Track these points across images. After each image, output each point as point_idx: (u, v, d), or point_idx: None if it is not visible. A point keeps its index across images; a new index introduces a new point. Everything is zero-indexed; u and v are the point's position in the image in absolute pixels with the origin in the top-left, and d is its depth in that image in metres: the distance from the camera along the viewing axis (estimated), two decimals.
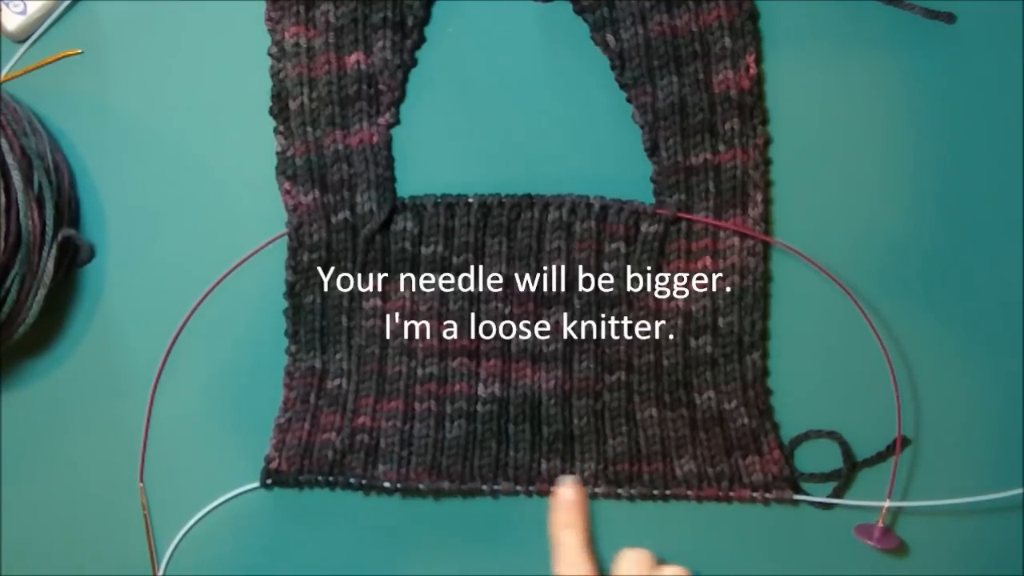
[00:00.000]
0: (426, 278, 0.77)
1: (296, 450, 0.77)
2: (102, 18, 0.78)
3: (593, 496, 0.77)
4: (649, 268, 0.76)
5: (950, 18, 0.77)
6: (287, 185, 0.77)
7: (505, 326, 0.77)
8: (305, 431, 0.77)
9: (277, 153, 0.77)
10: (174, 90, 0.78)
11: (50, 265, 0.72)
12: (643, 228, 0.76)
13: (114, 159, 0.78)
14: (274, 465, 0.77)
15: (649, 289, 0.77)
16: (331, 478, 0.77)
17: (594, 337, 0.77)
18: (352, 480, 0.77)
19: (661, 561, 0.67)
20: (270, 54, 0.77)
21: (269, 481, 0.77)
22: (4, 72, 0.78)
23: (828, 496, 0.76)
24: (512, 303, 0.77)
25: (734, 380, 0.77)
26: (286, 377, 0.78)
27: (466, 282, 0.77)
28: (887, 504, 0.75)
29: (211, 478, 0.77)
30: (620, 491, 0.77)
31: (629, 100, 0.77)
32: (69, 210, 0.76)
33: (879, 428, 0.76)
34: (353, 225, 0.77)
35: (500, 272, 0.77)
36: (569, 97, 0.77)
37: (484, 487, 0.77)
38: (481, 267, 0.77)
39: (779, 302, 0.77)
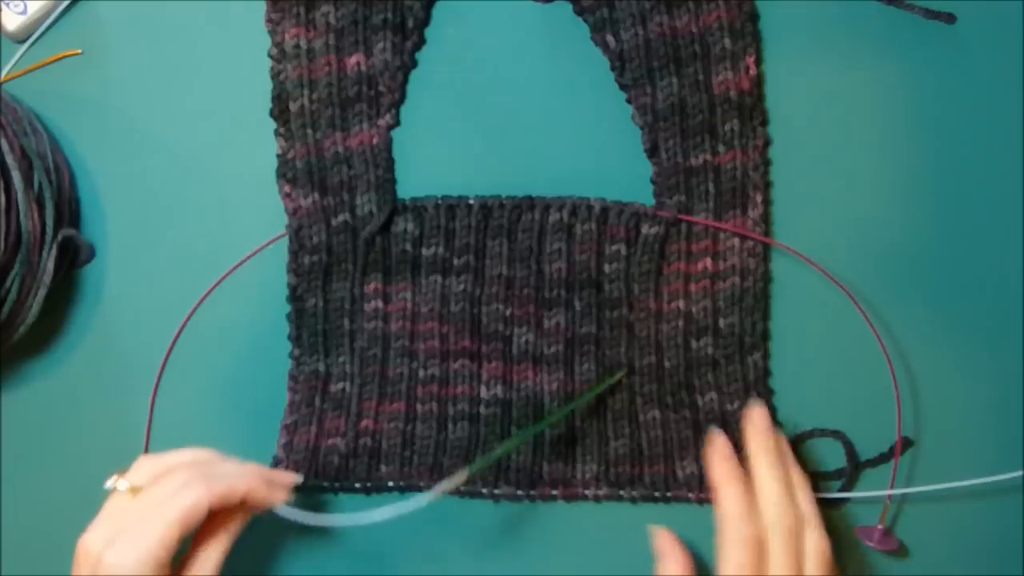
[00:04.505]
0: (427, 280, 0.77)
1: (303, 454, 0.76)
2: (102, 18, 0.78)
3: (595, 498, 0.77)
4: (650, 270, 0.76)
5: (950, 18, 0.77)
6: (287, 188, 0.77)
7: (506, 328, 0.77)
8: (312, 435, 0.77)
9: (277, 156, 0.77)
10: (174, 90, 0.78)
11: (50, 265, 0.72)
12: (644, 230, 0.76)
13: (114, 159, 0.78)
14: (282, 467, 0.76)
15: (650, 291, 0.76)
16: (336, 484, 0.76)
17: (595, 339, 0.77)
18: (357, 485, 0.76)
19: None
20: (270, 55, 0.77)
21: None
22: (4, 72, 0.78)
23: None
24: (513, 305, 0.77)
25: (736, 381, 0.77)
26: (290, 381, 0.77)
27: (467, 284, 0.77)
28: (890, 493, 0.75)
29: None
30: (622, 493, 0.77)
31: (629, 101, 0.77)
32: (69, 210, 0.76)
33: (880, 427, 0.76)
34: (353, 227, 0.77)
35: (501, 274, 0.77)
36: (569, 98, 0.77)
37: (484, 490, 0.76)
38: (482, 269, 0.77)
39: (780, 303, 0.77)
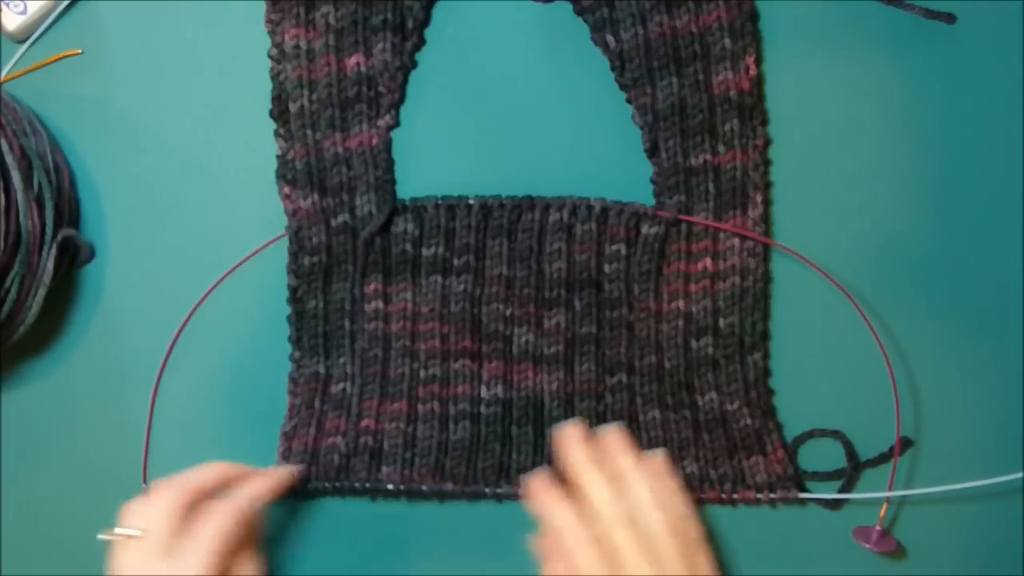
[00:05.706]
0: (427, 280, 0.77)
1: (302, 457, 0.76)
2: (102, 18, 0.78)
3: None
4: (650, 270, 0.76)
5: (950, 18, 0.77)
6: (287, 189, 0.77)
7: (506, 328, 0.77)
8: (311, 437, 0.77)
9: (277, 156, 0.77)
10: (174, 91, 0.78)
11: (50, 265, 0.72)
12: (644, 230, 0.76)
13: (114, 159, 0.78)
14: None
15: (650, 291, 0.76)
16: (337, 484, 0.76)
17: (595, 339, 0.77)
18: (357, 485, 0.76)
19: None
20: (270, 56, 0.77)
21: None
22: (4, 72, 0.78)
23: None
24: (513, 305, 0.77)
25: (736, 381, 0.76)
26: (290, 384, 0.77)
27: (467, 284, 0.77)
28: (888, 495, 0.75)
29: None
30: None
31: (629, 101, 0.77)
32: (69, 210, 0.76)
33: (880, 427, 0.76)
34: (353, 228, 0.76)
35: (501, 274, 0.77)
36: (569, 98, 0.78)
37: (487, 490, 0.76)
38: (482, 269, 0.77)
39: (779, 302, 0.77)
